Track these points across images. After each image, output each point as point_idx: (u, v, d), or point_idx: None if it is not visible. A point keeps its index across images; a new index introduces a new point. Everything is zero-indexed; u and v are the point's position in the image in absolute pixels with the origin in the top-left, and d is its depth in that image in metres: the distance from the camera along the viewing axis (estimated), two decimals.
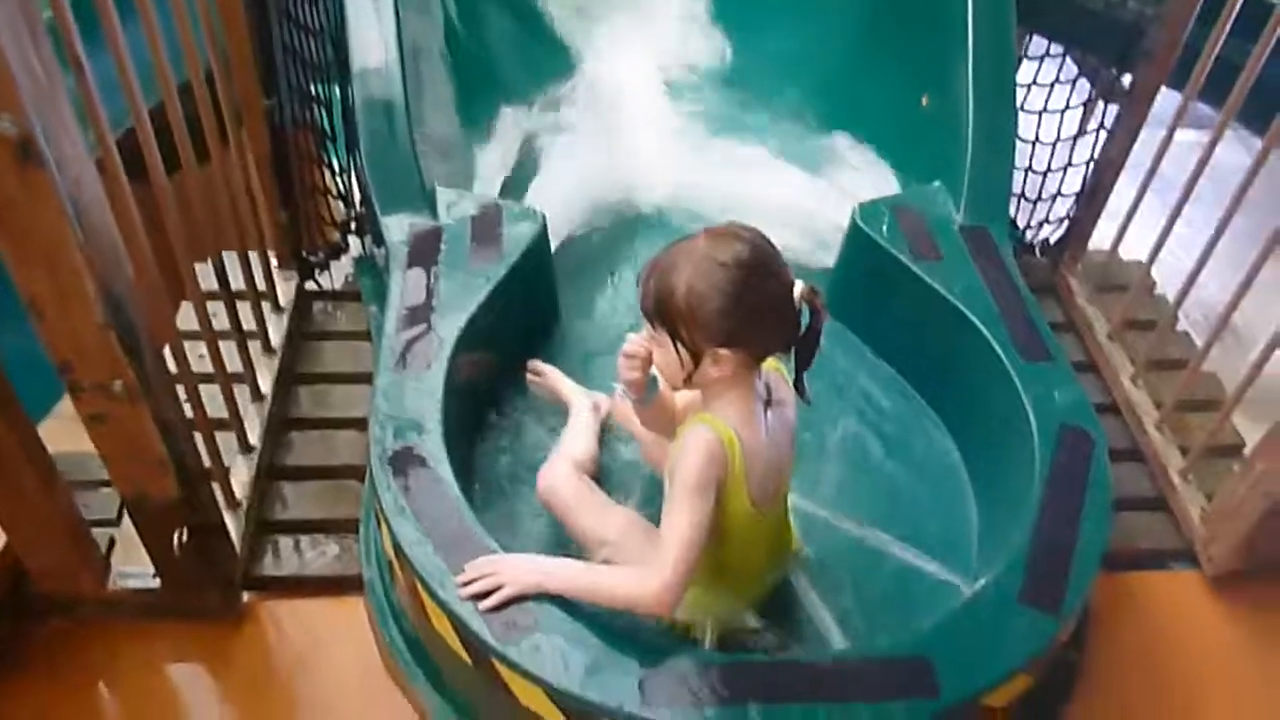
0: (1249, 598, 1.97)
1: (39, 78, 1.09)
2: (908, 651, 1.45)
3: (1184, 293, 2.21)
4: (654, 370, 1.54)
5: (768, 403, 1.51)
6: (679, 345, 1.44)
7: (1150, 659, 1.87)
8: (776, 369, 1.56)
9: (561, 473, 1.79)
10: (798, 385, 1.51)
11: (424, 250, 2.05)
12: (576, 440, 1.90)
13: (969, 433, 2.01)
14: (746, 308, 1.39)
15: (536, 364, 2.10)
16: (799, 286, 1.42)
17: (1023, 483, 1.71)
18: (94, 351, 1.29)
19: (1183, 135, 2.23)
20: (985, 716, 1.44)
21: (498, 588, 1.46)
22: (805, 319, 1.45)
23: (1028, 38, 2.58)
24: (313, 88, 2.28)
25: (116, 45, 1.44)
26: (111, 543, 1.79)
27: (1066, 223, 2.62)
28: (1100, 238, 2.58)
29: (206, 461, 1.76)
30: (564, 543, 1.75)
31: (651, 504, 1.76)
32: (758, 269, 1.40)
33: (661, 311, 1.44)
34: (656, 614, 1.45)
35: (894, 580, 1.78)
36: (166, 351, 1.62)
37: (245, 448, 1.97)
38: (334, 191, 2.43)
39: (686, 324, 1.42)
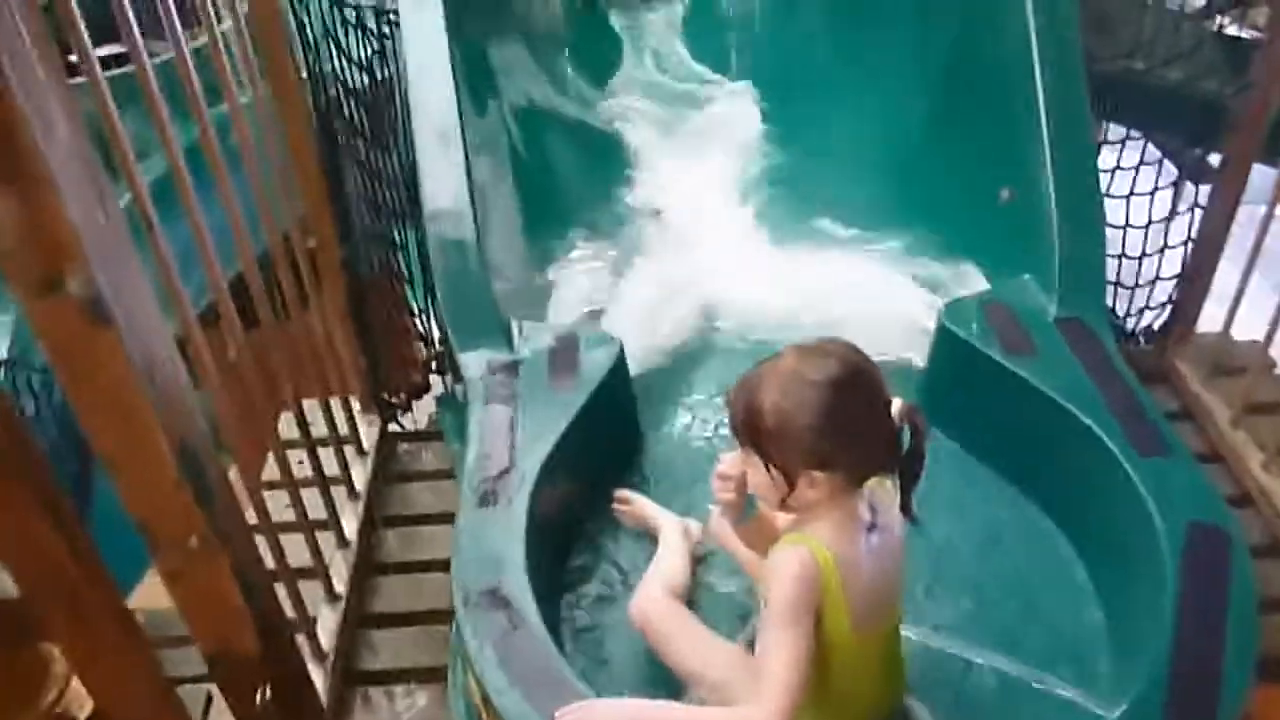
0: None
1: (105, 235, 1.10)
2: None
3: None
4: (752, 490, 1.46)
5: (872, 525, 1.39)
6: (770, 467, 1.37)
7: None
8: (882, 487, 1.46)
9: (655, 596, 1.70)
10: (904, 506, 1.41)
11: (502, 384, 2.04)
12: (669, 563, 1.81)
13: (1089, 539, 1.86)
14: (838, 427, 1.31)
15: (624, 493, 2.04)
16: (897, 404, 1.34)
17: (1154, 590, 1.56)
18: (168, 508, 1.28)
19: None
20: None
21: None
22: (908, 438, 1.36)
23: (1105, 124, 2.51)
24: (390, 232, 2.33)
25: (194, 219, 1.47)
26: (209, 699, 1.75)
27: (1170, 306, 2.49)
28: (1208, 322, 2.45)
29: (291, 612, 1.73)
30: (660, 682, 1.65)
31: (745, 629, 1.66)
32: (849, 386, 1.32)
33: (750, 432, 1.38)
34: None
35: (1021, 709, 1.62)
36: (248, 502, 1.61)
37: (331, 596, 1.93)
38: (414, 333, 2.45)
39: (777, 445, 1.35)
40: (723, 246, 2.69)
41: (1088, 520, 1.87)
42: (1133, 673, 1.52)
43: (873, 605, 1.40)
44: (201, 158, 1.56)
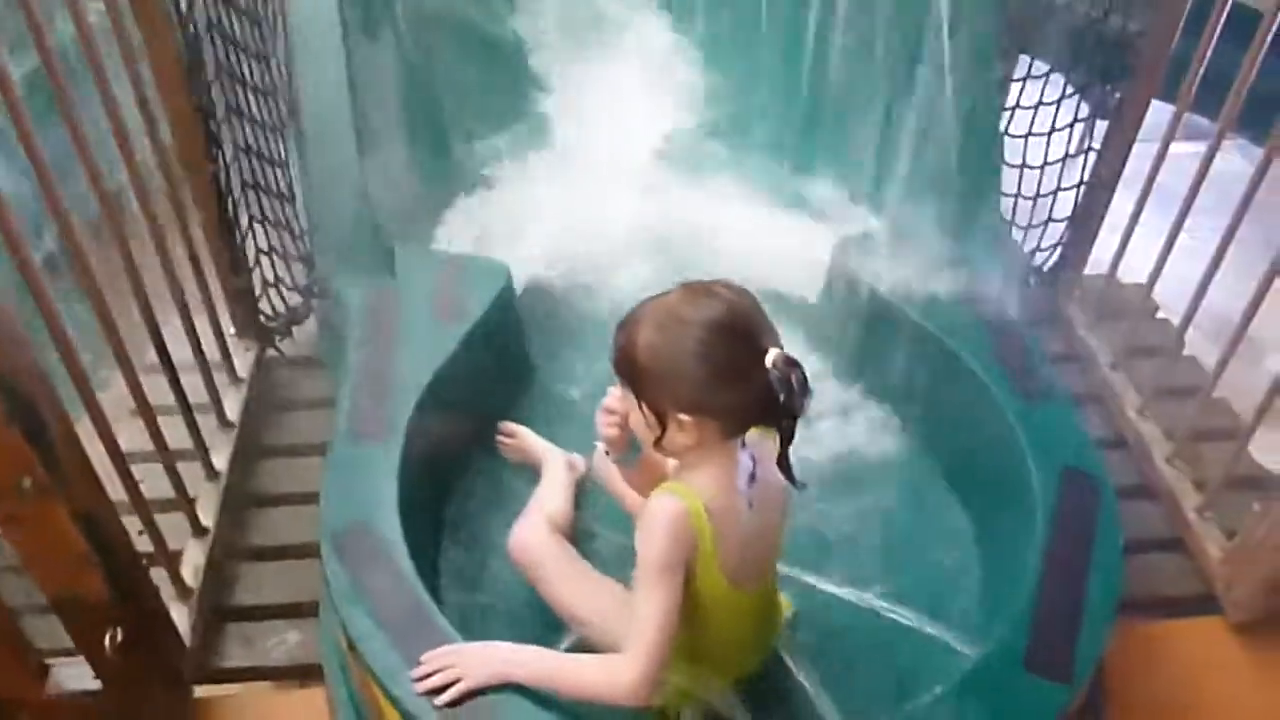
0: (1277, 644, 1.82)
1: None
2: None
3: (1189, 317, 2.09)
4: (633, 428, 1.42)
5: (752, 476, 1.32)
6: (643, 406, 1.33)
7: (1170, 714, 1.73)
8: (768, 437, 1.43)
9: (535, 530, 1.66)
10: (780, 463, 1.32)
11: (382, 311, 1.96)
12: (551, 497, 1.79)
13: (967, 481, 1.89)
14: (708, 372, 1.26)
15: (509, 425, 1.99)
16: (773, 355, 1.25)
17: (1025, 535, 1.58)
18: None
19: (1183, 148, 2.12)
20: None
21: (455, 681, 1.34)
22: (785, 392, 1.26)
23: (1014, 58, 2.48)
24: (268, 147, 2.19)
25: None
26: None
27: (1060, 249, 2.51)
28: (1101, 263, 2.47)
29: (148, 549, 1.65)
30: (539, 626, 1.63)
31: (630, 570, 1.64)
32: (724, 330, 1.26)
33: (626, 368, 1.33)
34: (629, 705, 1.33)
35: (891, 649, 1.64)
36: (97, 437, 1.52)
37: (198, 530, 1.85)
38: (293, 254, 2.33)
39: (648, 384, 1.31)
40: (623, 172, 2.60)
41: (967, 463, 1.89)
42: (998, 613, 1.54)
43: (749, 558, 1.38)
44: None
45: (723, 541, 1.33)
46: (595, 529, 1.84)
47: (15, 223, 1.30)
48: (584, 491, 1.90)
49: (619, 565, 1.70)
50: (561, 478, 1.85)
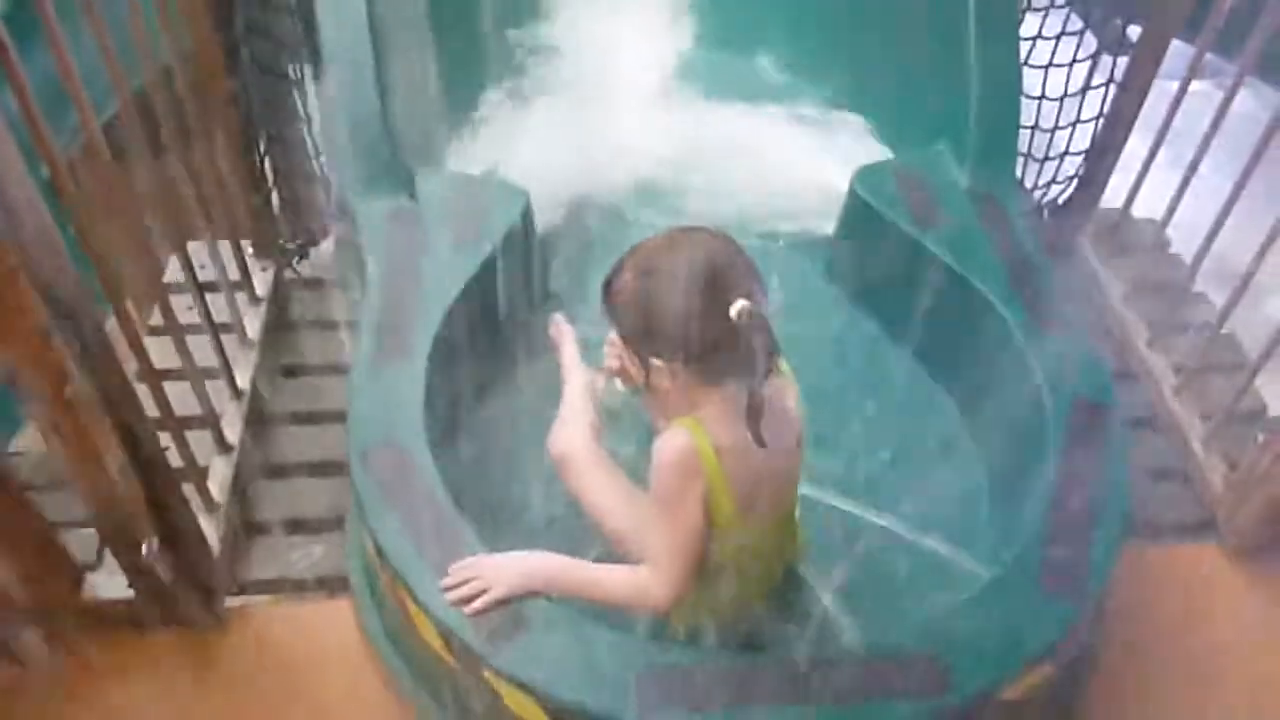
0: (1273, 570, 1.88)
1: None
2: (918, 646, 1.37)
3: (1201, 254, 2.11)
4: None
5: (759, 414, 1.28)
6: (627, 347, 1.36)
7: (1170, 635, 1.79)
8: (781, 377, 1.43)
9: (580, 434, 1.59)
10: (750, 418, 1.26)
11: (403, 233, 1.97)
12: (586, 407, 1.69)
13: (980, 409, 1.92)
14: (677, 319, 1.27)
15: (562, 319, 1.90)
16: (738, 305, 1.22)
17: (1036, 460, 1.62)
18: (39, 358, 1.21)
19: (1192, 86, 2.12)
20: (1003, 710, 1.36)
21: (484, 591, 1.39)
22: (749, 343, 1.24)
23: None
24: (286, 68, 2.17)
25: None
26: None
27: (1076, 182, 2.51)
28: (1115, 197, 2.47)
29: (179, 462, 1.68)
30: (561, 539, 1.66)
31: None
32: (698, 279, 1.25)
33: (610, 312, 1.37)
34: (654, 615, 1.38)
35: (906, 568, 1.69)
36: (129, 350, 1.54)
37: (223, 446, 1.89)
38: (311, 175, 2.33)
39: (626, 325, 1.35)
40: (638, 97, 2.60)
41: (981, 392, 1.92)
42: (1010, 535, 1.59)
43: (761, 493, 1.40)
44: None
45: (731, 475, 1.34)
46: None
47: (49, 133, 1.30)
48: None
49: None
50: (589, 390, 1.84)
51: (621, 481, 1.58)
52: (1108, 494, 1.56)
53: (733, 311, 1.23)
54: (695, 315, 1.26)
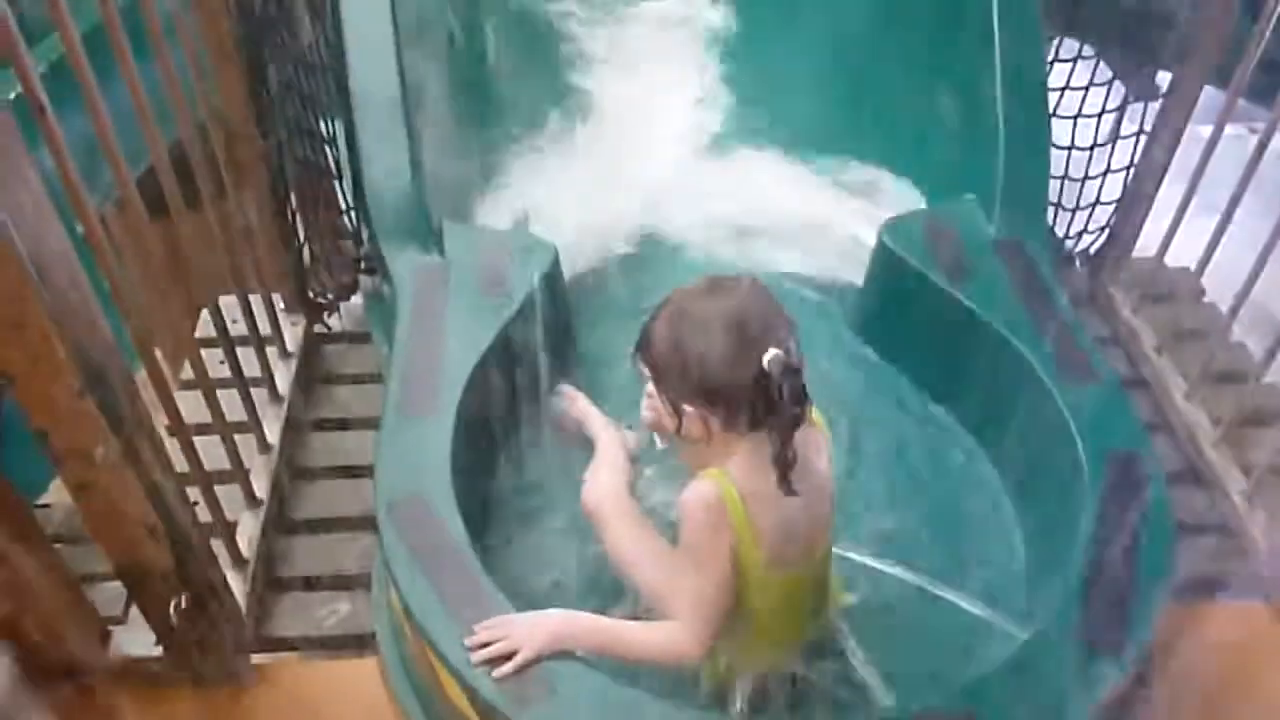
0: None
1: None
2: (954, 707, 1.33)
3: (1239, 302, 2.07)
4: None
5: (791, 464, 1.30)
6: (661, 395, 1.36)
7: (1215, 696, 1.73)
8: (813, 427, 1.43)
9: (613, 485, 1.62)
10: (778, 465, 1.29)
11: (431, 288, 1.97)
12: (617, 459, 1.73)
13: (1013, 463, 1.88)
14: (710, 368, 1.28)
15: (570, 389, 1.96)
16: (770, 355, 1.25)
17: (1072, 515, 1.59)
18: (70, 420, 1.22)
19: (1206, 130, 2.11)
20: None
21: (512, 652, 1.37)
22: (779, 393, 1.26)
23: (1058, 41, 2.46)
24: (318, 125, 2.21)
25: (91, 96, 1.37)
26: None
27: (1107, 231, 2.49)
28: (1149, 244, 2.45)
29: (208, 518, 1.68)
30: (588, 598, 1.65)
31: None
32: (731, 328, 1.27)
33: (645, 359, 1.37)
34: (684, 666, 1.36)
35: (942, 627, 1.65)
36: (160, 407, 1.55)
37: (252, 501, 1.89)
38: (342, 230, 2.35)
39: (661, 374, 1.35)
40: (666, 152, 2.61)
41: (1013, 444, 1.89)
42: (1046, 594, 1.55)
43: (792, 543, 1.38)
44: (104, 41, 1.44)
45: (760, 525, 1.33)
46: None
47: (83, 191, 1.32)
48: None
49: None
50: (621, 443, 1.83)
51: (651, 533, 1.58)
52: (1146, 550, 1.52)
53: (765, 360, 1.25)
54: (727, 362, 1.28)
